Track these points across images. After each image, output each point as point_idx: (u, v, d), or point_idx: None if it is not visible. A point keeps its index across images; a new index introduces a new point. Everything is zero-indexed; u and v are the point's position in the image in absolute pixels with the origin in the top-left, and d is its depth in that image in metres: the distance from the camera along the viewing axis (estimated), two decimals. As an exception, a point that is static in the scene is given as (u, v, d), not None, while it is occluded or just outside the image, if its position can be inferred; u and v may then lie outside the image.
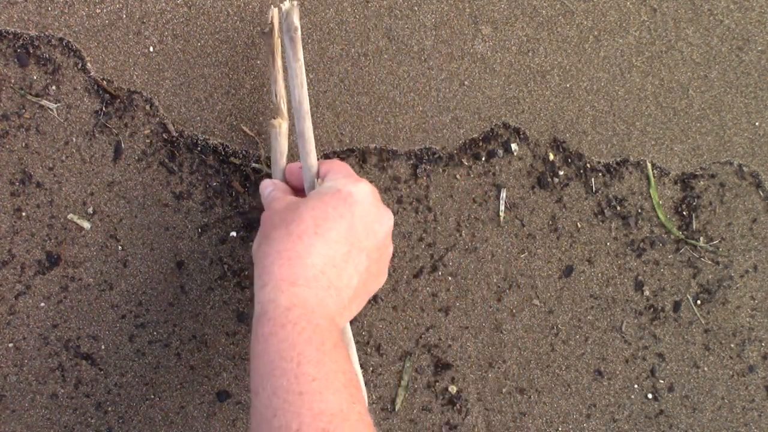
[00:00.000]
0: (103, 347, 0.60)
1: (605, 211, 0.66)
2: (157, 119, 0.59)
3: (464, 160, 0.64)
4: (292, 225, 0.45)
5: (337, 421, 0.37)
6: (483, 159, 0.64)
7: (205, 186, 0.60)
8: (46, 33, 0.57)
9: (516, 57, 0.64)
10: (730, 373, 0.70)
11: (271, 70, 0.59)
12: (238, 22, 0.59)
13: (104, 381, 0.60)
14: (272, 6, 0.59)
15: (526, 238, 0.65)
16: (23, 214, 0.58)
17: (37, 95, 0.58)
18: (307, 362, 0.39)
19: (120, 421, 0.60)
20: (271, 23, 0.58)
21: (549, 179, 0.65)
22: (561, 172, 0.65)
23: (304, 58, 0.61)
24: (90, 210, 0.59)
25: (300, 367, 0.39)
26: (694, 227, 0.68)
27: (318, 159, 0.54)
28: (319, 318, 0.42)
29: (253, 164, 0.61)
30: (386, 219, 0.49)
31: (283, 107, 0.58)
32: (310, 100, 0.61)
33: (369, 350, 0.63)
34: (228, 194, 0.60)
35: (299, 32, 0.53)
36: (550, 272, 0.66)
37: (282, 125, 0.58)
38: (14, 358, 0.59)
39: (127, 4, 0.58)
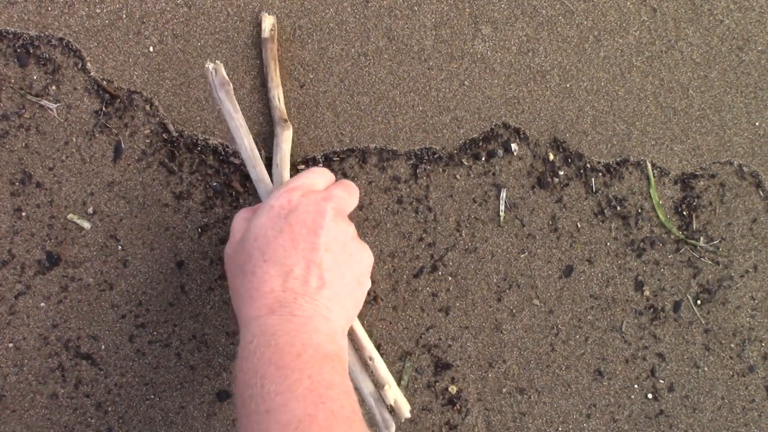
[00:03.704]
0: (103, 347, 0.60)
1: (605, 211, 0.66)
2: (157, 119, 0.59)
3: (464, 160, 0.64)
4: (245, 265, 0.47)
5: (304, 425, 0.39)
6: (483, 159, 0.64)
7: (205, 186, 0.60)
8: (46, 33, 0.57)
9: (516, 57, 0.64)
10: (730, 373, 0.70)
11: (273, 75, 0.59)
12: (238, 22, 0.59)
13: (104, 381, 0.60)
14: (265, 13, 0.59)
15: (526, 238, 0.65)
16: (23, 214, 0.58)
17: (37, 95, 0.58)
18: (269, 381, 0.41)
19: (120, 421, 0.60)
20: (273, 29, 0.58)
21: (549, 179, 0.65)
22: (561, 172, 0.65)
23: (304, 58, 0.61)
24: (90, 210, 0.59)
25: (263, 388, 0.41)
26: (694, 227, 0.68)
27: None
28: (279, 336, 0.44)
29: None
30: (328, 208, 0.48)
31: (285, 110, 0.58)
32: (310, 99, 0.61)
33: (369, 350, 0.63)
34: (228, 194, 0.60)
35: (232, 86, 0.54)
36: (550, 272, 0.66)
37: (285, 132, 0.58)
38: (14, 358, 0.59)
39: (127, 4, 0.58)
